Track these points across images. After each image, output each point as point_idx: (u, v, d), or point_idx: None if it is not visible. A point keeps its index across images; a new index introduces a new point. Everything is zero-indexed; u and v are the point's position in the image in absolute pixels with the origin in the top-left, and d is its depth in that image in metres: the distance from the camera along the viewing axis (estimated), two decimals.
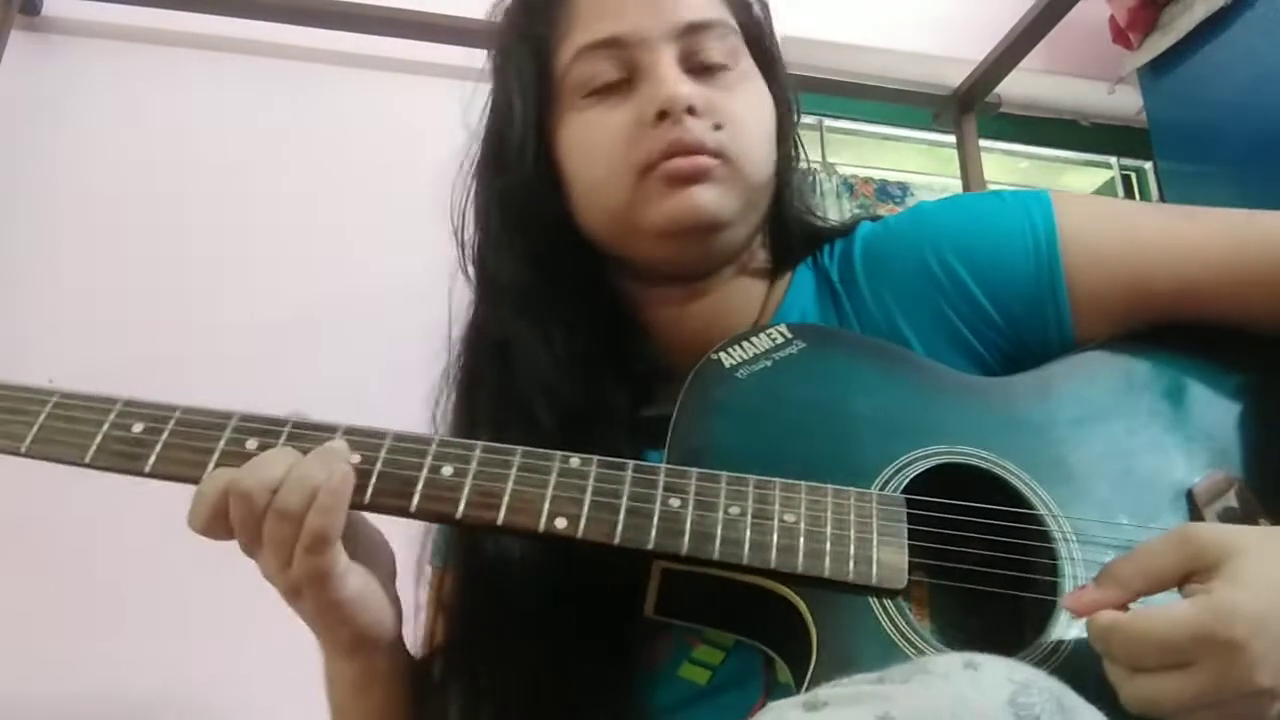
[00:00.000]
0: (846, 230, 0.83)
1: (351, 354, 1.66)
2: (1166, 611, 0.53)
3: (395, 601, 0.69)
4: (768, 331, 0.72)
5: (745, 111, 0.75)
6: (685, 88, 0.71)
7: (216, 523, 0.61)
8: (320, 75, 1.92)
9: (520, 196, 0.78)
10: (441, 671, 0.74)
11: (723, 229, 0.74)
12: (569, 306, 0.77)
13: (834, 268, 0.81)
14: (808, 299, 0.80)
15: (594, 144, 0.75)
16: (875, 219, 0.84)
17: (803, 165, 0.86)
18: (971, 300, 0.74)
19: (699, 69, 0.74)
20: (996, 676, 0.44)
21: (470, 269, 0.82)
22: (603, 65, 0.74)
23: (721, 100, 0.73)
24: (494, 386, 0.77)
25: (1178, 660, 0.51)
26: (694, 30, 0.73)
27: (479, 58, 1.92)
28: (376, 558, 0.68)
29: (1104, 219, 0.76)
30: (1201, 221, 0.75)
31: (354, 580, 0.64)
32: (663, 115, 0.71)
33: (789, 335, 0.71)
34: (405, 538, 0.76)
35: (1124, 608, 0.56)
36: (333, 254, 1.80)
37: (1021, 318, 0.74)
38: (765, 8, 0.83)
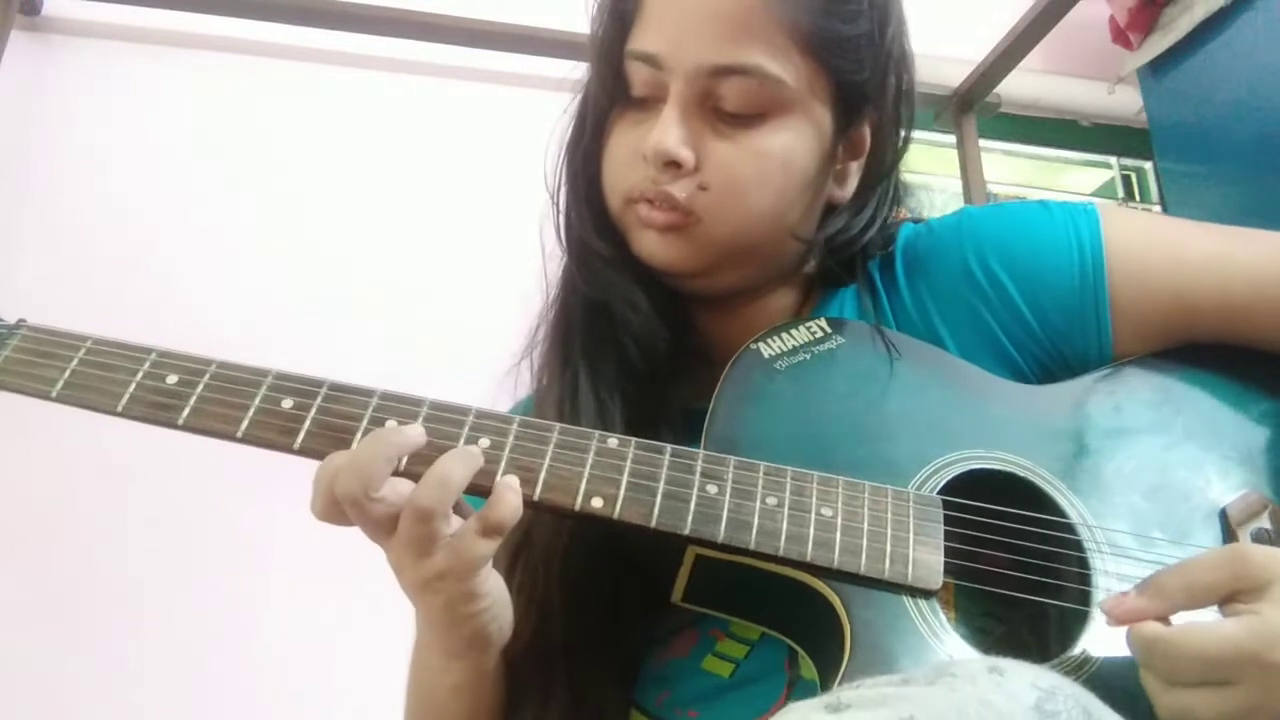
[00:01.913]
0: (890, 239, 0.81)
1: (348, 356, 1.67)
2: (1213, 629, 0.52)
3: (508, 598, 0.67)
4: (807, 324, 0.72)
5: (750, 169, 0.71)
6: (673, 140, 0.69)
7: (337, 510, 0.59)
8: (321, 75, 1.94)
9: (585, 174, 0.78)
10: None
11: (692, 277, 0.75)
12: (641, 277, 0.76)
13: (875, 266, 0.81)
14: (846, 297, 0.80)
15: (610, 155, 0.76)
16: (918, 221, 0.83)
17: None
18: (1012, 307, 0.74)
19: (716, 113, 0.71)
20: (1022, 682, 0.44)
21: (560, 228, 0.81)
22: (640, 76, 0.73)
23: (723, 158, 0.71)
24: (585, 331, 0.77)
25: (1218, 678, 0.51)
26: (721, 73, 0.69)
27: (478, 57, 1.94)
28: None
29: (1151, 235, 0.76)
30: (1250, 242, 0.74)
31: (493, 579, 0.64)
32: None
33: (828, 330, 0.71)
34: None
35: (1165, 620, 0.55)
36: (331, 253, 1.81)
37: (1061, 328, 0.73)
38: (890, 48, 0.75)
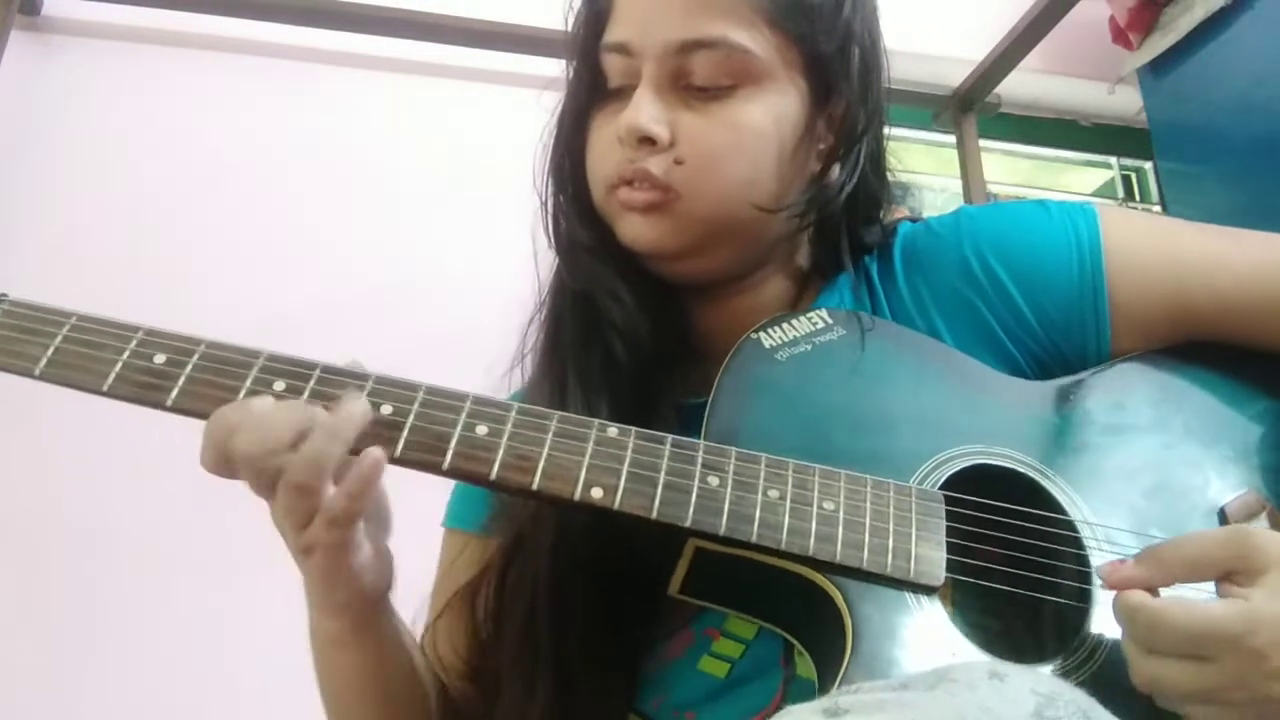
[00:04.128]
0: (889, 235, 0.82)
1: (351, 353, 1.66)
2: (1199, 606, 0.53)
3: (391, 562, 0.69)
4: (808, 315, 0.71)
5: (724, 140, 0.72)
6: (646, 117, 0.70)
7: (225, 467, 0.59)
8: (320, 75, 1.93)
9: (570, 171, 0.80)
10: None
11: (679, 258, 0.75)
12: (626, 270, 0.77)
13: (873, 264, 0.81)
14: (844, 292, 0.79)
15: (592, 146, 0.77)
16: (916, 219, 0.84)
17: (889, 174, 0.84)
18: (1011, 304, 0.74)
19: (688, 89, 0.72)
20: (1022, 688, 0.44)
21: (549, 226, 0.82)
22: (615, 67, 0.74)
23: (697, 130, 0.71)
24: (572, 328, 0.78)
25: (1196, 653, 0.52)
26: (689, 49, 0.71)
27: (478, 57, 1.94)
28: (381, 514, 0.68)
29: (1149, 235, 0.76)
30: (1247, 243, 0.75)
31: (366, 546, 0.64)
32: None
33: (829, 321, 0.71)
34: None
35: (1155, 590, 0.57)
36: (330, 253, 1.80)
37: (1060, 326, 0.74)
38: (850, 19, 0.75)
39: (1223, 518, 0.67)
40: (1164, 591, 0.57)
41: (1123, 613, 0.56)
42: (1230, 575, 0.55)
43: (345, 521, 0.60)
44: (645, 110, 0.71)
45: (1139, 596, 0.55)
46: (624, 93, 0.74)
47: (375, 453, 0.59)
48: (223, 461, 0.59)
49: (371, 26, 1.89)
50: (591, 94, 0.77)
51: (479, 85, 1.99)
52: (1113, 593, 0.58)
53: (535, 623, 0.70)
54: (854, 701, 0.44)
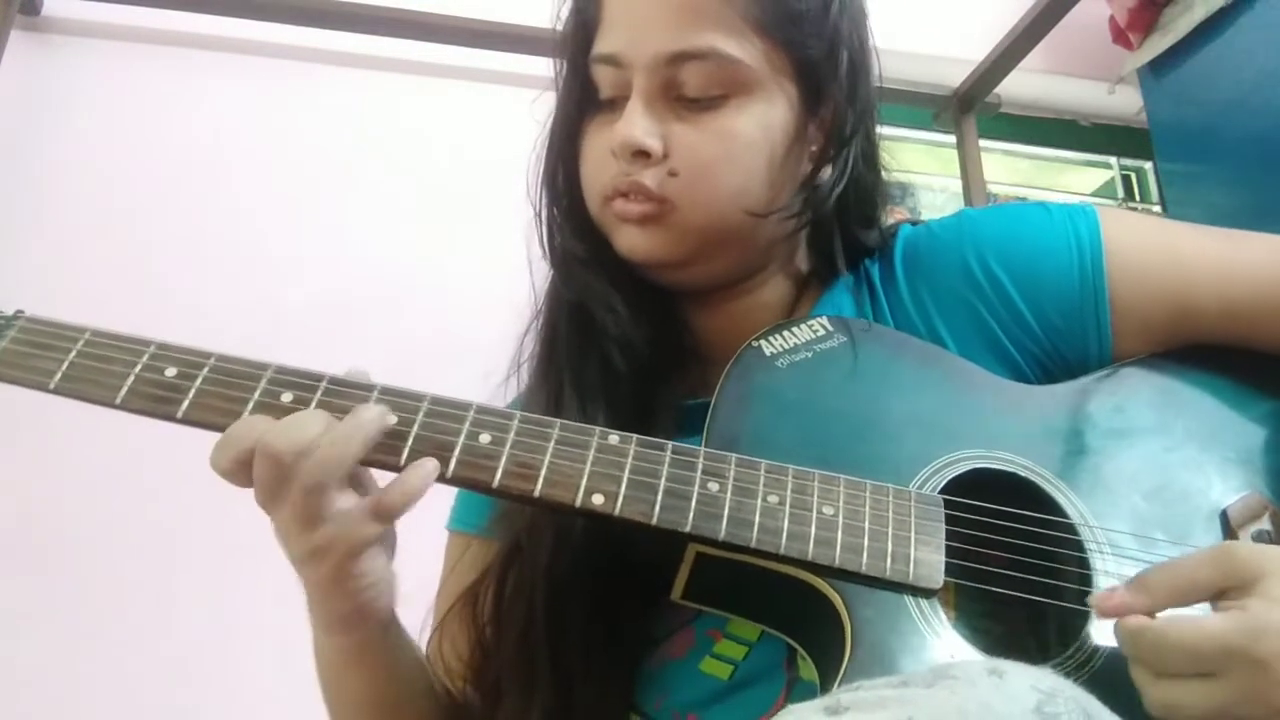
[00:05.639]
0: (889, 237, 0.82)
1: (343, 360, 1.66)
2: (1200, 622, 0.53)
3: (393, 575, 0.67)
4: (809, 323, 0.72)
5: (717, 150, 0.72)
6: (639, 131, 0.71)
7: (239, 471, 0.59)
8: (319, 75, 1.94)
9: (564, 183, 0.80)
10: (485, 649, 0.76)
11: (676, 267, 0.75)
12: (620, 279, 0.77)
13: (874, 267, 0.81)
14: (844, 297, 0.80)
15: (585, 158, 0.77)
16: (916, 222, 0.84)
17: (883, 174, 0.84)
18: (1012, 307, 0.74)
19: (680, 100, 0.72)
20: (1022, 685, 0.44)
21: (544, 237, 0.82)
22: (606, 79, 0.75)
23: (690, 142, 0.72)
24: (568, 339, 0.78)
25: (1205, 670, 0.52)
26: (679, 60, 0.71)
27: (477, 57, 1.94)
28: (388, 534, 0.67)
29: (1149, 237, 0.76)
30: (1248, 244, 0.75)
31: (374, 553, 0.63)
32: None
33: (830, 328, 0.71)
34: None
35: (1151, 616, 0.56)
36: (331, 253, 1.80)
37: (1061, 329, 0.74)
38: (838, 22, 0.75)
39: (1225, 520, 0.67)
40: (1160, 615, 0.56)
41: (1126, 637, 0.55)
42: (1223, 593, 0.54)
43: (388, 517, 0.60)
44: (638, 124, 0.71)
45: (1138, 619, 0.55)
46: (615, 104, 0.74)
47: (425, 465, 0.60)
48: (239, 464, 0.59)
49: (372, 26, 1.90)
50: (582, 105, 0.77)
51: (478, 85, 1.99)
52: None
53: (533, 627, 0.71)
54: (855, 699, 0.44)
